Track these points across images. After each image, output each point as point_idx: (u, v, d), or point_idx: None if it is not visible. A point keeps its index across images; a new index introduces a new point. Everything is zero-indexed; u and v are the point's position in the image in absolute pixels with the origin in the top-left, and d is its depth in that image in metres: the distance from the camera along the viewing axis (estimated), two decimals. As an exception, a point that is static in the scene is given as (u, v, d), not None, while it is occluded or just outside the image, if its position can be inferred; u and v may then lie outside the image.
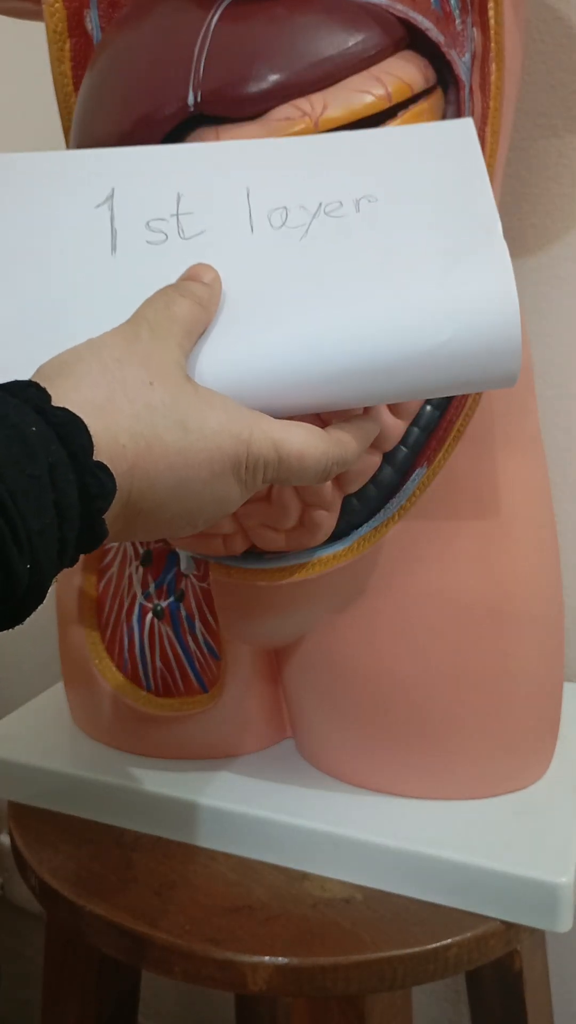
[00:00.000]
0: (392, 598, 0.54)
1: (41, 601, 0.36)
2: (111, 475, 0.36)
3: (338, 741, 0.58)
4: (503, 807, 0.56)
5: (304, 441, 0.42)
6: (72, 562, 0.37)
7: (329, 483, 0.52)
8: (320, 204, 0.45)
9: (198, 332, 0.43)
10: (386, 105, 0.50)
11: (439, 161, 0.46)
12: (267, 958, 0.49)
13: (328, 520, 0.53)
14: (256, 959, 0.49)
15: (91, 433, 0.36)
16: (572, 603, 0.72)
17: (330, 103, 0.49)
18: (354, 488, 0.53)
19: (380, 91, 0.49)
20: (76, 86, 0.57)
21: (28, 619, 0.36)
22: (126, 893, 0.54)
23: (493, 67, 0.50)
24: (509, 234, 0.69)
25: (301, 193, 0.46)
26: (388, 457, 0.53)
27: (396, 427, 0.52)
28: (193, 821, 0.58)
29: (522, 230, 0.70)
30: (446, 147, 0.47)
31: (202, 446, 0.39)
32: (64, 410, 0.36)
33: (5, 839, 1.03)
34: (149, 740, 0.62)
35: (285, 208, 0.45)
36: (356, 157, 0.46)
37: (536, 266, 0.70)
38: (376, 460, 0.52)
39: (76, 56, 0.56)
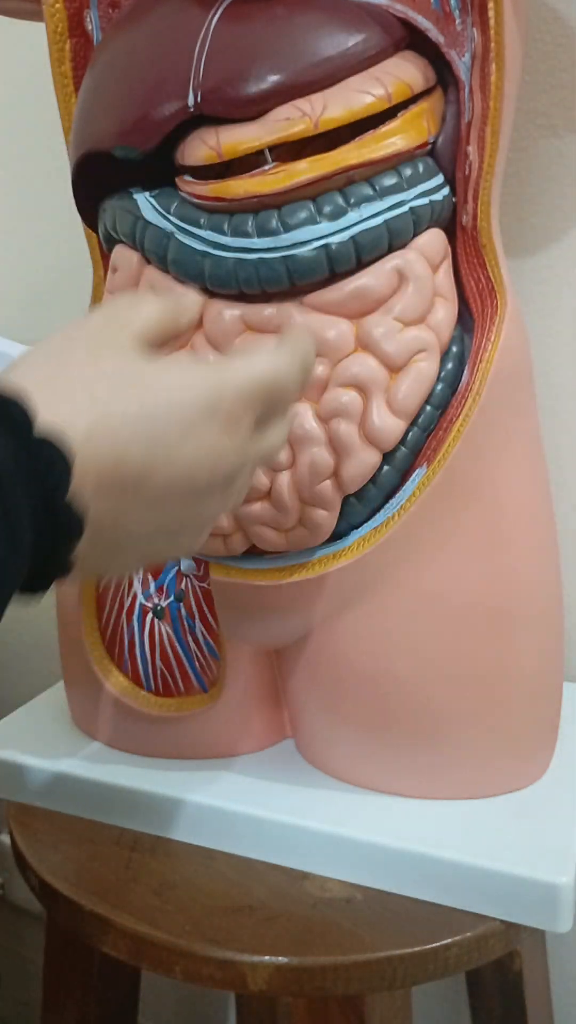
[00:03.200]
0: (392, 598, 0.54)
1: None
2: (58, 449, 0.33)
3: (338, 741, 0.58)
4: (503, 807, 0.56)
5: (268, 358, 0.40)
6: (46, 544, 0.33)
7: (329, 483, 0.52)
8: None
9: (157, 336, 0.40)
10: (386, 105, 0.50)
11: None
12: (267, 958, 0.49)
13: (328, 520, 0.53)
14: (256, 959, 0.49)
15: (31, 415, 0.33)
16: (572, 603, 0.72)
17: (330, 103, 0.49)
18: (354, 488, 0.53)
19: (380, 91, 0.49)
20: (76, 86, 0.57)
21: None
22: (126, 893, 0.54)
23: (493, 67, 0.50)
24: (509, 234, 0.69)
25: None
26: (388, 457, 0.53)
27: (396, 427, 0.52)
28: (193, 821, 0.58)
29: (522, 230, 0.70)
30: None
31: (166, 398, 0.36)
32: (1, 396, 0.34)
33: (5, 839, 1.03)
34: (149, 740, 0.62)
35: None
36: None
37: (536, 266, 0.70)
38: (376, 460, 0.52)
39: (76, 56, 0.56)
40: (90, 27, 0.56)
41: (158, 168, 0.53)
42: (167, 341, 0.41)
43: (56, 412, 0.34)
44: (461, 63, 0.51)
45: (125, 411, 0.35)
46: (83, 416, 0.34)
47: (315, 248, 0.49)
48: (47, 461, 0.33)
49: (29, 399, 0.33)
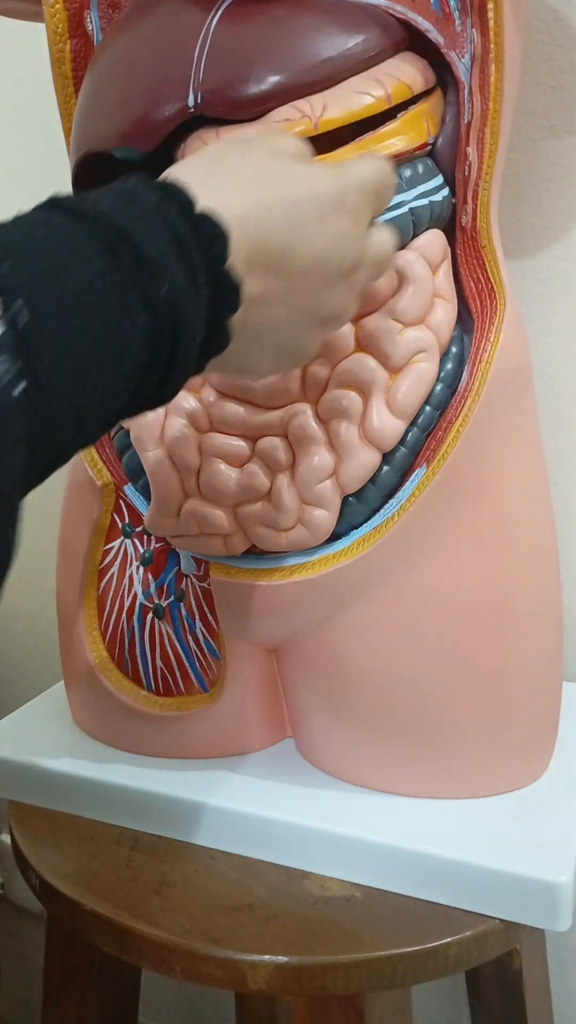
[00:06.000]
0: (392, 598, 0.54)
1: (190, 352, 0.37)
2: (218, 223, 0.38)
3: (338, 740, 0.58)
4: (503, 806, 0.56)
5: (378, 160, 0.46)
6: (210, 310, 0.38)
7: (329, 483, 0.52)
8: None
9: None
10: (386, 106, 0.50)
11: None
12: (267, 957, 0.49)
13: (328, 520, 0.53)
14: (256, 958, 0.49)
15: (192, 197, 0.38)
16: (572, 603, 0.72)
17: (330, 104, 0.49)
18: (354, 488, 0.53)
19: (380, 92, 0.50)
20: (77, 87, 0.57)
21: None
22: (126, 892, 0.54)
23: (492, 68, 0.50)
24: (509, 234, 0.69)
25: None
26: (387, 457, 0.53)
27: (396, 427, 0.52)
28: (193, 820, 0.58)
29: (522, 230, 0.70)
30: None
31: (304, 189, 0.42)
32: (163, 182, 0.39)
33: (6, 838, 1.04)
34: (149, 740, 0.62)
35: None
36: None
37: (536, 266, 0.71)
38: (376, 460, 0.53)
39: (76, 57, 0.56)
40: (90, 28, 0.56)
41: (158, 169, 0.53)
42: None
43: (212, 200, 0.39)
44: (461, 64, 0.51)
45: (270, 200, 0.41)
46: (235, 205, 0.39)
47: (315, 249, 0.50)
48: (210, 233, 0.38)
49: (190, 189, 0.39)
